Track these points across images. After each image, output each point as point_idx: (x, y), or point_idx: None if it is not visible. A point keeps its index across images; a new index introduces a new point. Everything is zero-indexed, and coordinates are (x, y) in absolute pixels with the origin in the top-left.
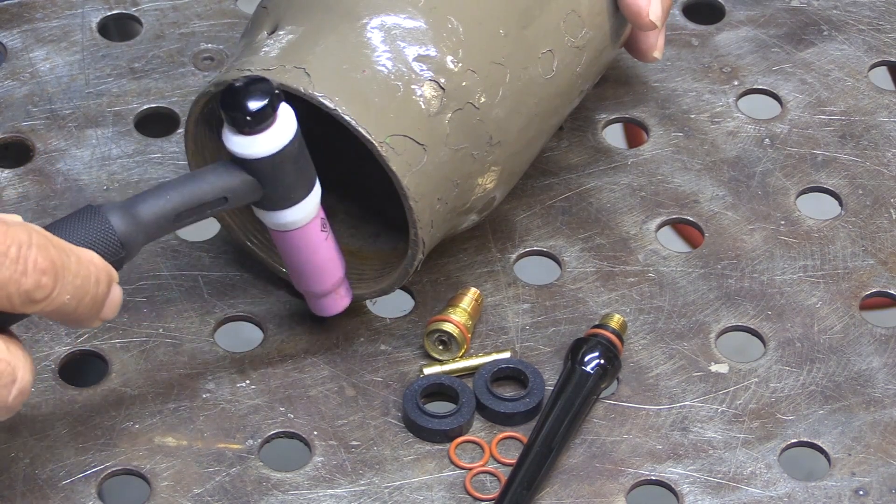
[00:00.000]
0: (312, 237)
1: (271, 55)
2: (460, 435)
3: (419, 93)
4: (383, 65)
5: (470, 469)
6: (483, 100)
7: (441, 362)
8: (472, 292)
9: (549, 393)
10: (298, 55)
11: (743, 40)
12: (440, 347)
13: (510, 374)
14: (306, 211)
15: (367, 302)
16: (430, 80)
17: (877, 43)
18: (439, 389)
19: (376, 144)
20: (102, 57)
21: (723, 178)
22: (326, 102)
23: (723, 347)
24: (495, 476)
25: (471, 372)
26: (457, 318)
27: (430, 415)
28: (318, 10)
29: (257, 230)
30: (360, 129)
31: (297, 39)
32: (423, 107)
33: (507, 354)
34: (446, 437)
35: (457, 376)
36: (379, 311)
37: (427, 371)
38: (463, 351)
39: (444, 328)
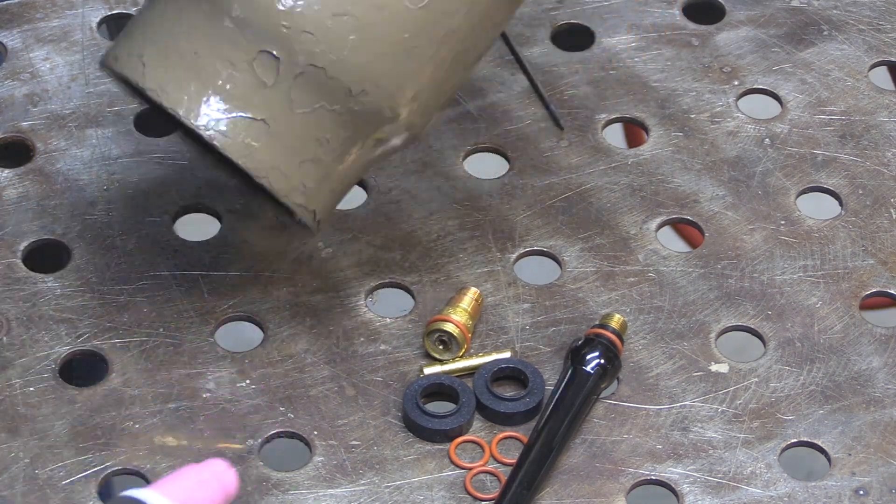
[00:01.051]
0: None
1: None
2: (460, 435)
3: (251, 67)
4: (211, 45)
5: (470, 469)
6: (331, 56)
7: (441, 362)
8: (472, 292)
9: (549, 393)
10: (135, 40)
11: (743, 40)
12: (440, 347)
13: (510, 374)
14: None
15: (368, 302)
16: (263, 51)
17: (877, 43)
18: (439, 389)
19: (204, 135)
20: None
21: (723, 178)
22: (154, 97)
23: (723, 347)
24: (495, 476)
25: (471, 372)
26: (457, 318)
27: (430, 415)
28: None
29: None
30: (189, 120)
31: (137, 20)
32: (257, 80)
33: (507, 354)
34: (446, 437)
35: (457, 376)
36: (379, 311)
37: (427, 371)
38: (463, 351)
39: (445, 328)
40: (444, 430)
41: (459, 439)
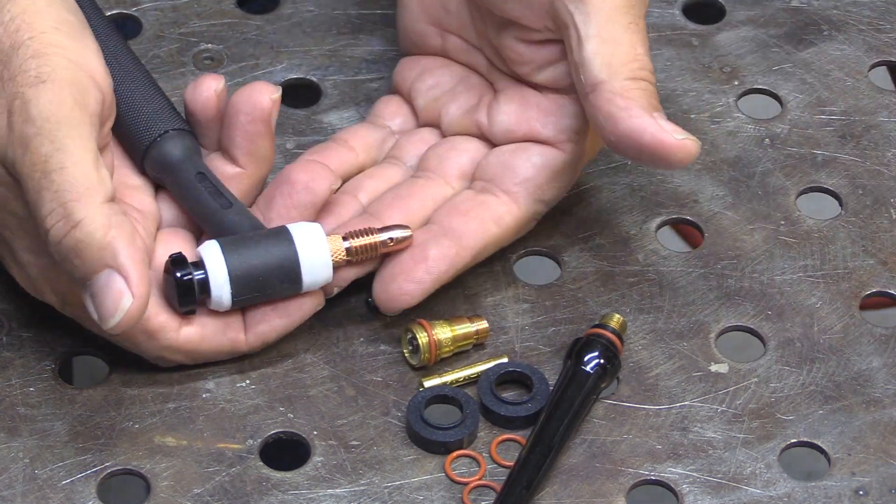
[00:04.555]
0: None
1: None
2: (460, 447)
3: None
4: None
5: (466, 484)
6: None
7: (439, 374)
8: (479, 325)
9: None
10: None
11: (743, 40)
12: (409, 347)
13: (516, 378)
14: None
15: (368, 301)
16: None
17: (877, 43)
18: (443, 401)
19: None
20: None
21: (723, 178)
22: None
23: (723, 347)
24: (492, 489)
25: (472, 380)
26: (437, 333)
27: (434, 426)
28: None
29: None
30: None
31: None
32: None
33: (504, 360)
34: (450, 449)
35: (457, 385)
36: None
37: (427, 384)
38: (424, 362)
39: (419, 337)
40: (447, 443)
41: (455, 453)
